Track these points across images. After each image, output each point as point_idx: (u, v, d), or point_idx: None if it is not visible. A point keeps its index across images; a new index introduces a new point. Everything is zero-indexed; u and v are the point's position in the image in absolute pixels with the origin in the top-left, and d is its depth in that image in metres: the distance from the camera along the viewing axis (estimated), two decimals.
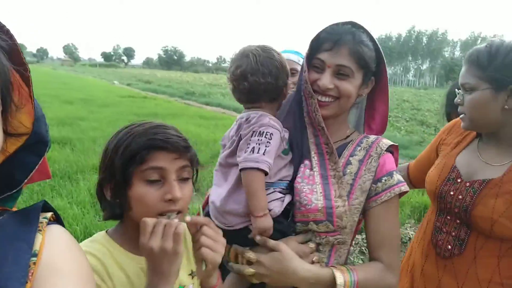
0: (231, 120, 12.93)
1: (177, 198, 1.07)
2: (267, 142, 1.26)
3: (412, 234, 4.88)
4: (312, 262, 1.32)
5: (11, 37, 0.67)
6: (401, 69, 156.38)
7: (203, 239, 1.08)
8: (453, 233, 1.56)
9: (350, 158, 1.41)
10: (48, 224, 0.72)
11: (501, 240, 1.45)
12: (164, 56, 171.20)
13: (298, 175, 1.38)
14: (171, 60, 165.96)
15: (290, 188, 1.39)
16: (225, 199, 1.33)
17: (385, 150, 1.40)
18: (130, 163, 1.06)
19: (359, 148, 1.42)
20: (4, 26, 0.66)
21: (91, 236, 1.21)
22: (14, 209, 0.79)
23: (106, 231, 1.20)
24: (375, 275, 1.32)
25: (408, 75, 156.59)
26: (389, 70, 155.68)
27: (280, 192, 1.36)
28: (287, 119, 1.45)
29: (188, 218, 1.08)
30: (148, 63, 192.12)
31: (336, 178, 1.35)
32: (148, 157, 1.06)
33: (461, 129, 1.65)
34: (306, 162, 1.40)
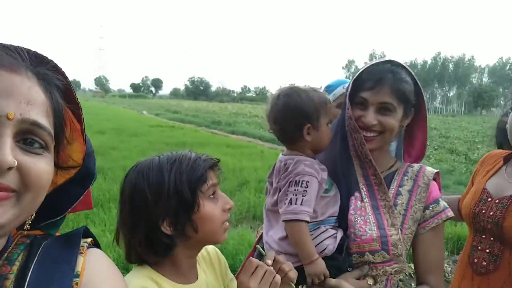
0: (256, 148, 13.03)
1: (232, 205, 1.21)
2: (304, 191, 1.32)
3: (445, 267, 4.75)
4: None
5: (65, 77, 0.75)
6: (428, 96, 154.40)
7: (284, 266, 1.19)
8: (488, 250, 1.65)
9: (400, 189, 1.48)
10: (88, 248, 0.77)
11: None
12: (191, 86, 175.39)
13: (351, 207, 1.44)
14: (198, 90, 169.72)
15: (339, 223, 1.44)
16: (280, 241, 1.40)
17: (431, 179, 1.47)
18: (196, 184, 1.12)
19: (406, 178, 1.49)
20: (60, 68, 0.74)
21: (124, 264, 1.26)
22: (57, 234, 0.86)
23: (151, 267, 1.21)
24: None
25: (434, 102, 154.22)
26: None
27: (331, 228, 1.41)
28: (331, 154, 1.51)
29: (269, 261, 1.16)
30: (175, 93, 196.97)
31: (387, 208, 1.42)
32: (206, 176, 1.15)
33: (492, 159, 1.84)
34: (356, 194, 1.46)
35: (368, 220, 1.40)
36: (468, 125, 33.72)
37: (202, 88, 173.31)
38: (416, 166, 1.54)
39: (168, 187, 1.11)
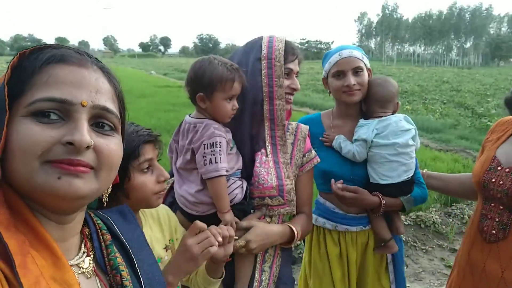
0: None
1: (166, 177, 1.36)
2: (219, 150, 1.55)
3: (436, 218, 4.94)
4: None
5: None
6: (443, 48, 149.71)
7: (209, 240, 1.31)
8: (497, 219, 1.67)
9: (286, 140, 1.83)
10: None
11: None
12: (200, 44, 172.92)
13: (257, 161, 1.70)
14: (207, 47, 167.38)
15: (242, 175, 1.71)
16: (196, 194, 1.62)
17: (307, 134, 1.87)
18: (128, 159, 1.26)
19: (288, 133, 1.82)
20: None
21: None
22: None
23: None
24: (303, 224, 1.80)
25: (450, 54, 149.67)
26: (430, 50, 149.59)
27: (238, 180, 1.67)
28: (242, 117, 1.71)
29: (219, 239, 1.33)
30: (184, 51, 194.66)
31: (285, 164, 1.73)
32: (141, 151, 1.29)
33: (503, 126, 1.83)
34: (262, 150, 1.72)
35: (270, 172, 1.68)
36: (482, 78, 32.98)
37: (211, 45, 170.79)
38: (293, 123, 1.88)
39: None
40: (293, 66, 1.74)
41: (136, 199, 1.32)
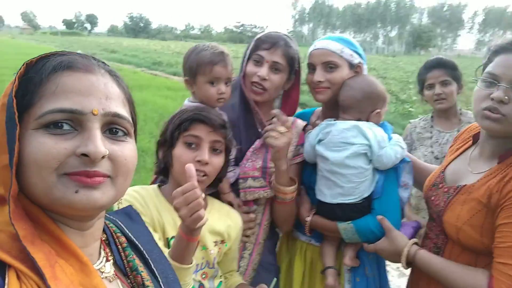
0: None
1: (204, 160, 1.41)
2: None
3: None
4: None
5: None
6: (371, 36, 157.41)
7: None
8: (434, 240, 1.53)
9: None
10: None
11: (476, 253, 1.37)
12: (130, 23, 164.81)
13: (253, 146, 1.79)
14: (137, 27, 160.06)
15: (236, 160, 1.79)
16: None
17: (302, 130, 1.91)
18: (177, 129, 1.43)
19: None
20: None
21: None
22: None
23: (158, 185, 1.56)
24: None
25: (377, 42, 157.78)
26: (359, 38, 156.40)
27: (231, 166, 1.75)
28: (231, 105, 1.80)
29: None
30: (113, 30, 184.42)
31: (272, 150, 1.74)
32: (191, 127, 1.42)
33: (467, 135, 1.60)
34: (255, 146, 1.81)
35: (258, 156, 1.77)
36: (405, 66, 35.07)
37: (142, 25, 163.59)
38: (290, 119, 1.87)
39: (167, 124, 1.51)
40: (265, 54, 1.72)
41: (175, 169, 1.45)
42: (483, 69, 1.39)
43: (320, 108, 2.04)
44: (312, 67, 1.79)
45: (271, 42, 1.72)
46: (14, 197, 0.66)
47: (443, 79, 2.62)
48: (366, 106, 1.70)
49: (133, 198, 1.41)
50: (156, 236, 1.38)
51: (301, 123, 1.93)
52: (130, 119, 0.77)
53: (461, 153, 1.57)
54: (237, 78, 1.82)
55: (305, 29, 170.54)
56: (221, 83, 1.68)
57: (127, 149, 0.74)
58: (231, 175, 1.75)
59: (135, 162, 0.77)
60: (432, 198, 1.53)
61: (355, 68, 1.79)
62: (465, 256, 1.40)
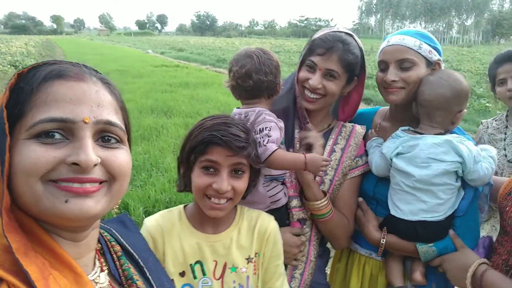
0: None
1: (222, 190, 1.26)
2: (268, 132, 1.46)
3: None
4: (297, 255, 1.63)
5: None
6: (444, 25, 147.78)
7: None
8: (504, 257, 1.36)
9: (334, 147, 1.70)
10: None
11: None
12: (197, 21, 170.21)
13: None
14: (204, 25, 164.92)
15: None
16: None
17: (361, 139, 1.70)
18: (194, 152, 1.29)
19: (340, 137, 1.70)
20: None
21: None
22: None
23: (185, 206, 1.44)
24: (340, 221, 1.68)
25: (451, 32, 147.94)
26: (431, 28, 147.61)
27: (280, 184, 1.62)
28: (281, 113, 1.64)
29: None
30: (181, 29, 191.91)
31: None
32: (207, 150, 1.26)
33: None
34: (290, 150, 1.64)
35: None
36: (482, 56, 32.60)
37: (208, 22, 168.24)
38: (348, 126, 1.75)
39: (185, 140, 1.35)
40: (318, 60, 1.57)
41: (194, 193, 1.33)
42: None
43: (384, 108, 1.87)
44: (384, 65, 1.63)
45: (325, 47, 1.56)
46: (6, 209, 0.65)
47: None
48: (455, 106, 1.52)
49: (154, 229, 1.34)
50: (172, 270, 1.31)
51: (360, 131, 1.74)
52: (122, 126, 0.76)
53: None
54: (292, 74, 1.71)
55: (372, 21, 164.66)
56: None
57: (120, 155, 0.74)
58: (281, 196, 1.60)
59: (130, 168, 0.76)
60: (507, 208, 1.35)
61: (433, 66, 1.62)
62: None
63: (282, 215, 1.61)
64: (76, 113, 0.68)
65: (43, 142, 0.66)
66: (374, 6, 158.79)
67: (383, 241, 1.59)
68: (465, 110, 1.55)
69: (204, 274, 1.31)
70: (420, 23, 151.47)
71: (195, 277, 1.30)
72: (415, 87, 1.57)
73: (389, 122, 1.78)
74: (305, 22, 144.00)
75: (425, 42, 1.59)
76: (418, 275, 1.60)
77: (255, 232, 1.41)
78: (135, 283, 0.82)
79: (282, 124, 1.55)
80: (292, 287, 1.65)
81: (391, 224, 1.60)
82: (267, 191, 1.56)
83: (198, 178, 1.28)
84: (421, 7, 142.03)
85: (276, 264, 1.44)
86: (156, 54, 33.82)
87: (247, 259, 1.38)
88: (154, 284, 0.88)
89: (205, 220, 1.36)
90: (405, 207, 1.55)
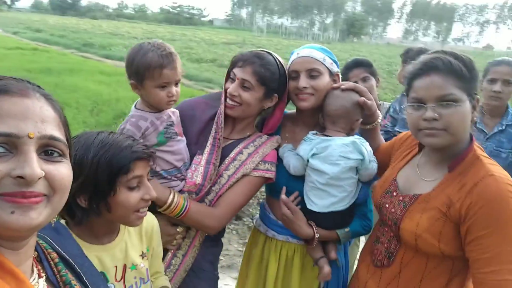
0: None
1: (153, 198, 1.36)
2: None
3: None
4: (173, 245, 1.82)
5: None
6: (307, 22, 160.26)
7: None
8: (386, 245, 1.61)
9: (243, 150, 1.88)
10: None
11: (427, 257, 1.48)
12: None
13: (194, 157, 1.84)
14: (65, 4, 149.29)
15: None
16: None
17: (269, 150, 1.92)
18: (116, 175, 1.24)
19: (252, 144, 1.89)
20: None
21: None
22: None
23: (67, 223, 1.33)
24: (204, 212, 1.78)
25: (313, 29, 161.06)
26: (296, 23, 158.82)
27: (176, 180, 1.81)
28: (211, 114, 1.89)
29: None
30: (37, 6, 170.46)
31: (214, 166, 1.81)
32: (132, 167, 1.27)
33: (412, 143, 1.72)
34: (201, 149, 1.84)
35: (197, 169, 1.80)
36: (339, 53, 36.23)
37: (70, 1, 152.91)
38: (264, 137, 1.95)
39: (89, 166, 1.22)
40: (237, 71, 1.77)
41: (116, 214, 1.30)
42: (406, 94, 1.56)
43: (291, 111, 2.08)
44: (295, 74, 1.84)
45: (243, 59, 1.77)
46: None
47: (364, 76, 2.97)
48: (354, 116, 1.82)
49: None
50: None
51: (275, 143, 1.94)
52: (65, 140, 0.79)
53: (409, 160, 1.68)
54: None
55: (244, 13, 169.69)
56: (171, 86, 1.64)
57: (62, 168, 0.77)
58: (175, 184, 1.80)
59: (70, 181, 0.80)
60: (387, 205, 1.62)
61: (333, 77, 1.89)
62: (417, 260, 1.51)
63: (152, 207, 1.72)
64: (21, 128, 0.71)
65: None
66: None
67: (317, 235, 1.81)
68: (361, 119, 1.86)
69: (107, 281, 1.34)
70: (287, 19, 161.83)
71: None
72: (322, 94, 1.83)
73: (297, 126, 2.01)
74: (178, 9, 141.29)
75: (327, 56, 1.87)
76: (333, 254, 1.90)
77: (142, 232, 1.51)
78: None
79: (153, 132, 1.69)
80: (172, 264, 1.81)
81: (313, 218, 1.84)
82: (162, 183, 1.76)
83: (128, 197, 1.28)
84: (288, 3, 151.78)
85: (160, 249, 1.62)
86: (8, 34, 29.48)
87: (141, 255, 1.48)
88: None
89: (100, 232, 1.37)
90: (319, 201, 1.80)
